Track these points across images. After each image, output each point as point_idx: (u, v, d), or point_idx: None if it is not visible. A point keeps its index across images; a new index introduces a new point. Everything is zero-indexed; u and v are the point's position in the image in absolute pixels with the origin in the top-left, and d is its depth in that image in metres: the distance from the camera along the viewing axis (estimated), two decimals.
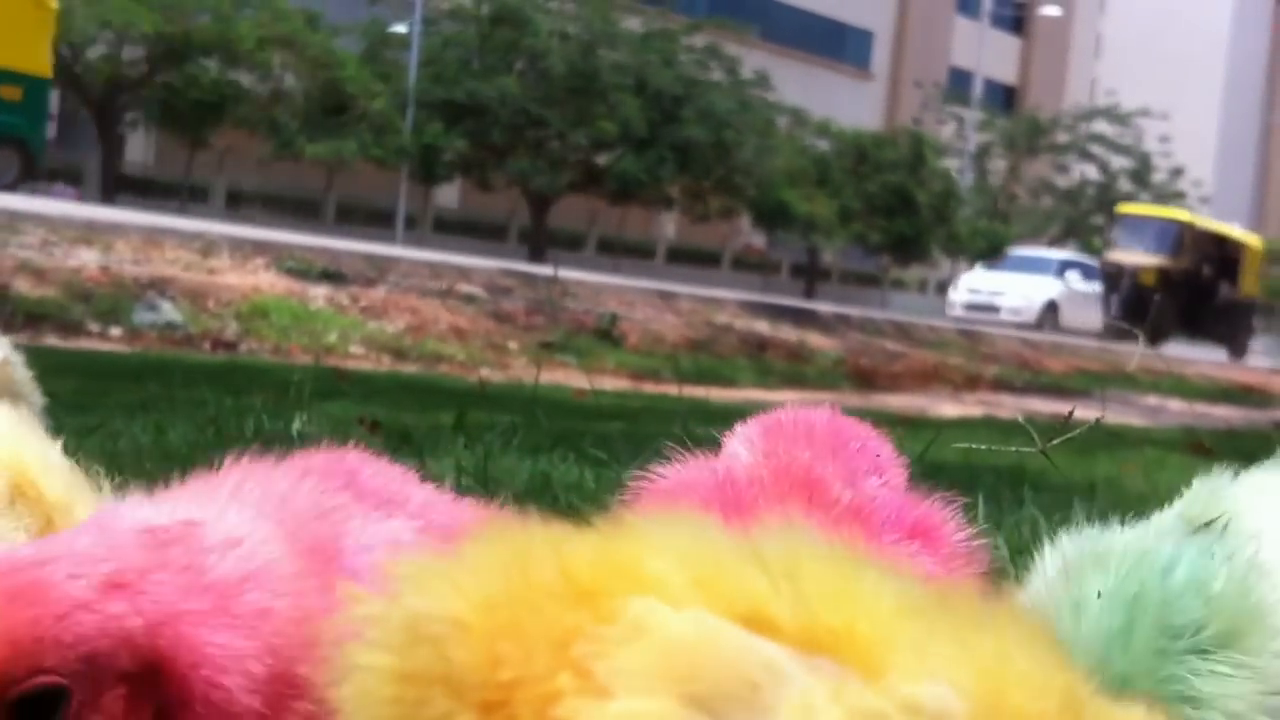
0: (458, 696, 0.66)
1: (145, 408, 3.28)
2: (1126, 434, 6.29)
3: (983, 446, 2.41)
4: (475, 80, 27.05)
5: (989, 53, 46.11)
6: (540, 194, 28.18)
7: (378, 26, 28.08)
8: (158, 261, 10.77)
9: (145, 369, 5.38)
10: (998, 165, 43.32)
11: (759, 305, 17.31)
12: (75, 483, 1.01)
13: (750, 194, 30.02)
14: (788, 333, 15.36)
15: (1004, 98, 52.15)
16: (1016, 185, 43.43)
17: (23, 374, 1.44)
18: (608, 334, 12.28)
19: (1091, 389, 13.70)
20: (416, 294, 12.04)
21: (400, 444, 2.68)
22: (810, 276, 36.10)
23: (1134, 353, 17.69)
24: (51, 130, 28.02)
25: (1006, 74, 53.57)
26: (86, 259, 10.26)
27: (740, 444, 1.17)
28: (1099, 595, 1.00)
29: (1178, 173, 42.70)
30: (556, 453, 2.88)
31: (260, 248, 11.97)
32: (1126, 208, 33.17)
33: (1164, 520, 1.09)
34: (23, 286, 9.24)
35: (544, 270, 14.90)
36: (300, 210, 29.47)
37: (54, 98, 27.40)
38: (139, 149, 29.97)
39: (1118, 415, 7.82)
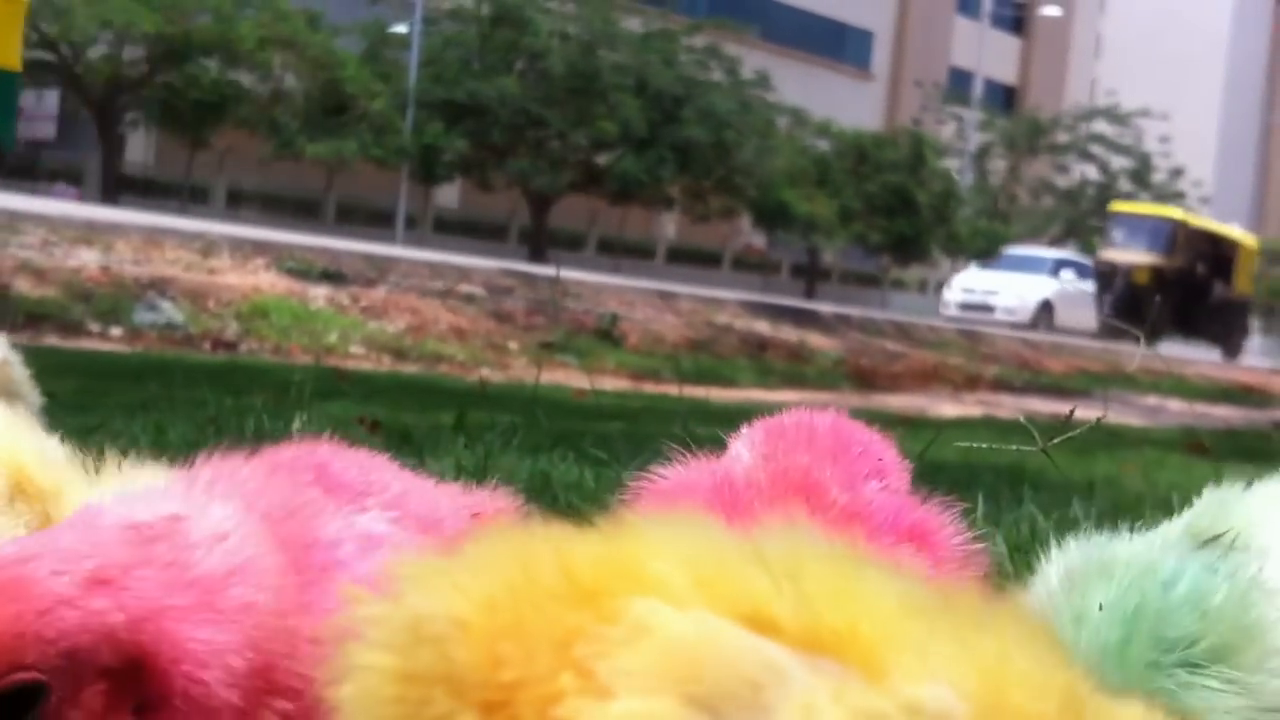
0: (459, 697, 0.66)
1: (145, 408, 3.28)
2: (1126, 434, 6.30)
3: (983, 445, 2.42)
4: (475, 80, 27.05)
5: (989, 53, 46.13)
6: (540, 194, 28.18)
7: (378, 26, 28.08)
8: (158, 261, 10.78)
9: (145, 369, 5.39)
10: (998, 165, 43.31)
11: (759, 305, 17.32)
12: (75, 477, 1.01)
13: (750, 194, 30.01)
14: (788, 333, 15.36)
15: (1004, 98, 52.14)
16: (1016, 185, 43.41)
17: (21, 373, 1.45)
18: (608, 334, 12.28)
19: (1091, 389, 13.71)
20: (417, 294, 12.05)
21: (400, 444, 2.68)
22: (810, 276, 36.11)
23: (1134, 353, 17.68)
24: (52, 130, 28.11)
25: (1006, 74, 53.58)
26: (87, 259, 10.26)
27: (743, 446, 1.18)
28: (1100, 608, 0.99)
29: (1178, 173, 42.69)
30: (557, 453, 2.89)
31: (260, 248, 11.98)
32: (1120, 206, 32.77)
33: (1171, 531, 1.08)
34: (23, 286, 9.25)
35: (544, 270, 14.91)
36: (300, 210, 29.48)
37: (54, 98, 27.50)
38: (139, 149, 29.97)
39: (1117, 415, 7.82)
